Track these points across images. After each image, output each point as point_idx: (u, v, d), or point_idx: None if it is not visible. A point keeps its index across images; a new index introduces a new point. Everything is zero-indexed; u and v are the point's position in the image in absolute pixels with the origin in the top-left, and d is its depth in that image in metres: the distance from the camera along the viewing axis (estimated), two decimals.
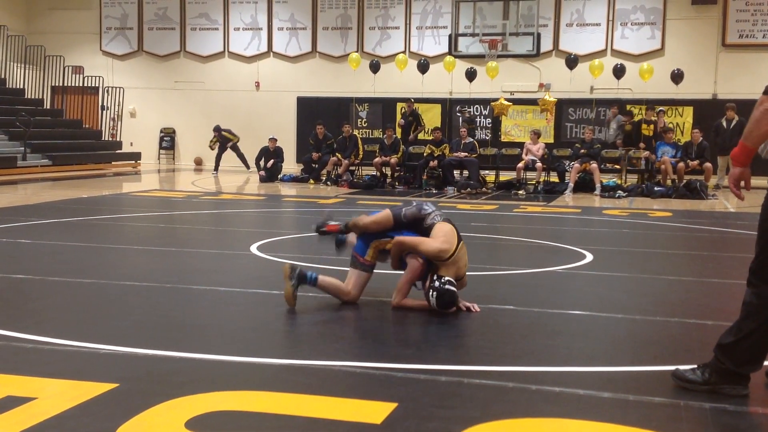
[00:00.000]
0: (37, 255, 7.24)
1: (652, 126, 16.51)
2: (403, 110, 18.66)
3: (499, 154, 17.47)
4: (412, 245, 5.16)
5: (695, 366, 3.68)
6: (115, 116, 23.19)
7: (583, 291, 6.15)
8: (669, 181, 15.41)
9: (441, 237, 5.15)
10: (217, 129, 19.99)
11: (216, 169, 19.97)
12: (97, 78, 22.97)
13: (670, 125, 16.44)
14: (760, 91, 3.61)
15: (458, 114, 19.49)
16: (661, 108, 17.21)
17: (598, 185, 15.29)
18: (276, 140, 18.25)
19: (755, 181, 3.72)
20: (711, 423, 3.28)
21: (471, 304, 5.21)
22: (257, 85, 22.79)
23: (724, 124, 16.65)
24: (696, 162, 15.53)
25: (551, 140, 18.94)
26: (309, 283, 5.21)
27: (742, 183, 3.66)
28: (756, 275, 3.56)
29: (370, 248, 5.31)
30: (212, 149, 20.23)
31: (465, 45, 19.48)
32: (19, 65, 22.88)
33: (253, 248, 7.68)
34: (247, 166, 20.03)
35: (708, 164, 15.51)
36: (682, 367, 3.73)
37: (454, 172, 16.44)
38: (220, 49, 23.02)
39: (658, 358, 4.20)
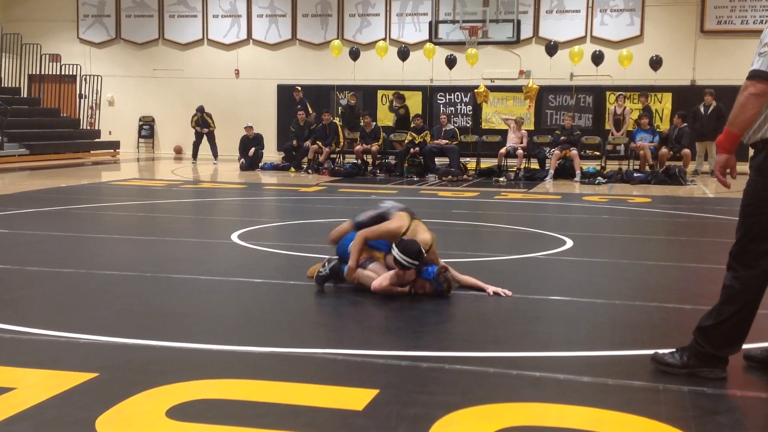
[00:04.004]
0: (15, 245, 7.18)
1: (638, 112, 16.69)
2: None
3: (480, 141, 17.48)
4: (371, 232, 5.36)
5: (674, 350, 3.71)
6: (94, 105, 22.96)
7: (563, 277, 6.18)
8: (648, 167, 15.50)
9: (395, 220, 5.43)
10: (200, 110, 19.64)
11: (194, 157, 19.77)
12: (75, 66, 22.72)
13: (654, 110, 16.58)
14: (738, 77, 3.59)
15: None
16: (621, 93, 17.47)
17: (578, 172, 15.36)
18: (252, 128, 18.12)
19: (739, 167, 3.70)
20: (690, 406, 3.31)
21: (502, 289, 5.28)
22: (237, 72, 22.64)
23: (702, 110, 16.72)
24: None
25: (532, 127, 18.97)
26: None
27: (728, 170, 3.60)
28: (736, 260, 3.57)
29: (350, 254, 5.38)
30: (194, 128, 19.83)
31: (445, 32, 19.48)
32: None
33: (234, 237, 7.65)
34: (215, 157, 19.72)
35: (686, 150, 15.61)
36: (661, 351, 3.76)
37: (435, 159, 16.44)
38: (199, 36, 22.84)
39: (638, 342, 4.23)
